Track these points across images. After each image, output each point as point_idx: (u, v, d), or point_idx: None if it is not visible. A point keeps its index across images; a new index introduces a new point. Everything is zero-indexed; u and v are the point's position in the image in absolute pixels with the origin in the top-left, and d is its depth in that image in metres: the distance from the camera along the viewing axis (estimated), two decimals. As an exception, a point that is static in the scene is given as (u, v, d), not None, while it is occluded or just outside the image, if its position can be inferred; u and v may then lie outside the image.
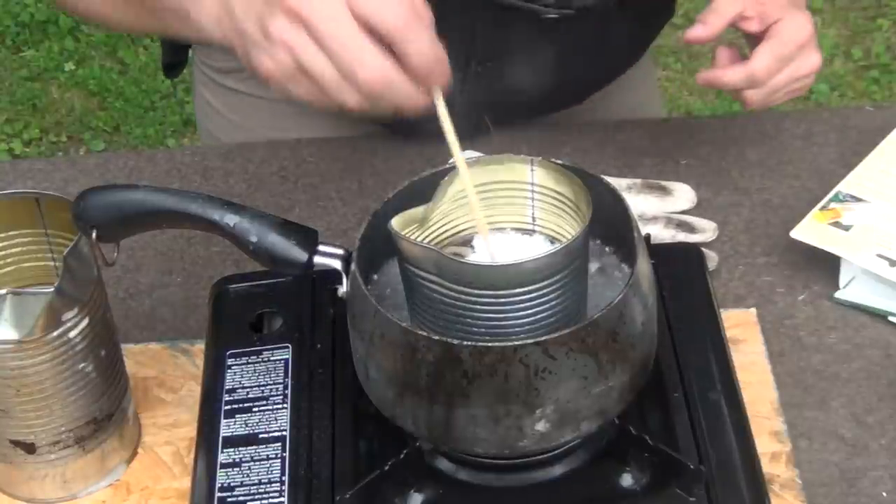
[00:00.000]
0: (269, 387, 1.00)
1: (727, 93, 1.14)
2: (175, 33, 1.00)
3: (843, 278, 1.12)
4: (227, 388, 1.01)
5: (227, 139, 1.38)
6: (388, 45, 0.83)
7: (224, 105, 1.38)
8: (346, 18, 0.82)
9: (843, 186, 1.17)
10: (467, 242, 0.94)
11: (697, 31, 1.09)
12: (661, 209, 1.19)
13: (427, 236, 0.93)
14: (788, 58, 1.09)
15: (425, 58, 0.84)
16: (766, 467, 0.96)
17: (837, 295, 1.12)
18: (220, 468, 0.96)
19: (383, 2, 0.83)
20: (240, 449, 0.97)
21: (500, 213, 0.95)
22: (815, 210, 1.15)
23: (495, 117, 1.21)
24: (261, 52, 0.86)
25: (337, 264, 0.92)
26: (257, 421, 0.98)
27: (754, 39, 1.12)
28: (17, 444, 0.96)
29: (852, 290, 1.11)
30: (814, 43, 1.11)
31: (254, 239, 0.91)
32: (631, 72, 1.34)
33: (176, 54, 1.36)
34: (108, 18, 1.11)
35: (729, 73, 1.10)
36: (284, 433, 0.97)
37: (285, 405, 0.99)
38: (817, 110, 2.26)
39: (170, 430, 1.04)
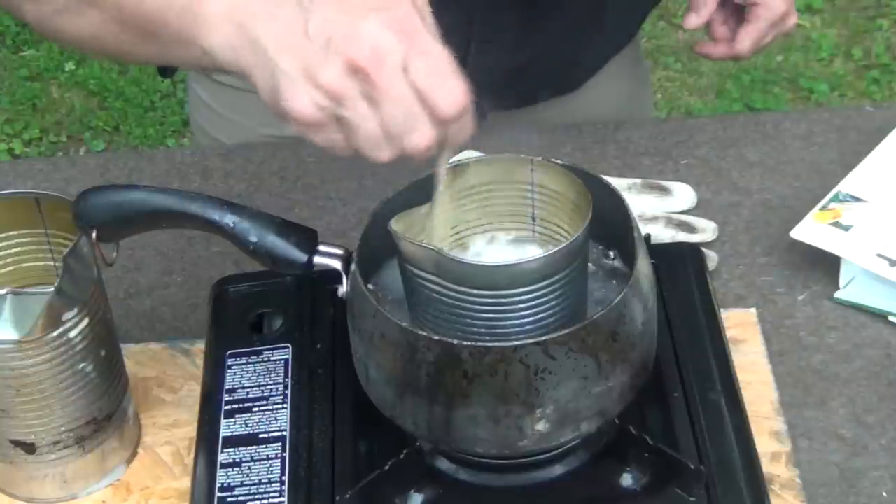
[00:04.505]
0: (269, 387, 1.00)
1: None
2: (175, 58, 0.94)
3: (843, 278, 1.12)
4: (227, 388, 1.01)
5: (223, 136, 1.38)
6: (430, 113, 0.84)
7: (219, 102, 1.38)
8: (405, 83, 0.82)
9: (843, 186, 1.17)
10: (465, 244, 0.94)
11: (692, 20, 1.24)
12: (661, 209, 1.19)
13: (427, 236, 0.93)
14: (766, 35, 1.24)
15: (465, 137, 0.85)
16: (766, 467, 0.96)
17: (837, 295, 1.12)
18: (220, 468, 0.96)
19: (440, 83, 0.82)
20: (240, 449, 0.97)
21: (501, 212, 0.95)
22: (815, 210, 1.15)
23: (495, 101, 1.23)
24: (298, 91, 0.83)
25: (337, 264, 0.92)
26: (257, 421, 0.98)
27: None
28: (17, 444, 0.96)
29: (852, 290, 1.11)
30: (790, 8, 1.23)
31: (254, 239, 0.91)
32: (622, 61, 1.37)
33: None
34: (99, 45, 0.99)
35: (718, 52, 1.27)
36: (284, 433, 0.97)
37: (285, 405, 0.99)
38: (817, 110, 2.25)
39: (170, 430, 1.04)
